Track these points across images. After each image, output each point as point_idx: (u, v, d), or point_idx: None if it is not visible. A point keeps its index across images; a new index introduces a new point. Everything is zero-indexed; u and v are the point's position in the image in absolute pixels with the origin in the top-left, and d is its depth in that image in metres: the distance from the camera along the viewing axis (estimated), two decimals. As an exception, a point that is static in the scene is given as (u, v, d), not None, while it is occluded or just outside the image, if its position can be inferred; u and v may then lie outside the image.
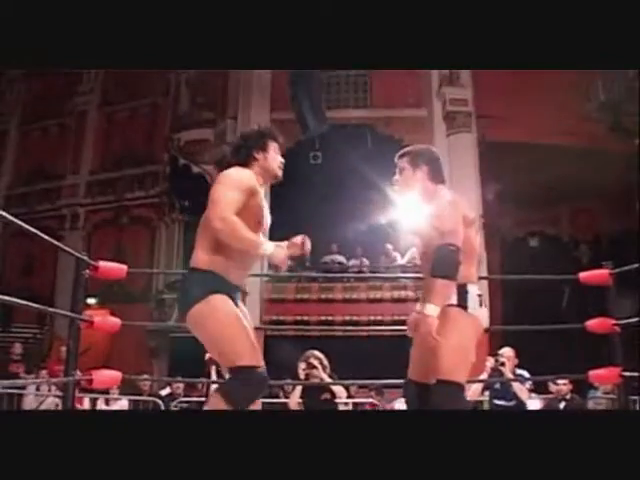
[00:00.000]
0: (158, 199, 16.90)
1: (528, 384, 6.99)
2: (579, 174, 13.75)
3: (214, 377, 6.17)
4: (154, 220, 16.98)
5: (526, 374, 6.74)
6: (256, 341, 3.07)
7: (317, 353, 6.25)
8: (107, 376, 4.19)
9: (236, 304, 3.11)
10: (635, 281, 5.48)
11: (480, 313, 3.15)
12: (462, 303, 3.09)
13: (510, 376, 6.46)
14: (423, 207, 3.31)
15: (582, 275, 4.78)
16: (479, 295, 3.16)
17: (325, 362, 6.20)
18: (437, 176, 3.35)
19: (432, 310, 2.95)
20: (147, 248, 16.66)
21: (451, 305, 3.07)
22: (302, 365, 6.16)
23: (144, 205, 17.11)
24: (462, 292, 3.10)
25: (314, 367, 6.12)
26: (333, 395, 6.14)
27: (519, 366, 6.84)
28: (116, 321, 4.36)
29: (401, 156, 3.41)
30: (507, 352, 6.65)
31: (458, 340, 3.02)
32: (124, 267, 4.39)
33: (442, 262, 2.97)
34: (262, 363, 2.99)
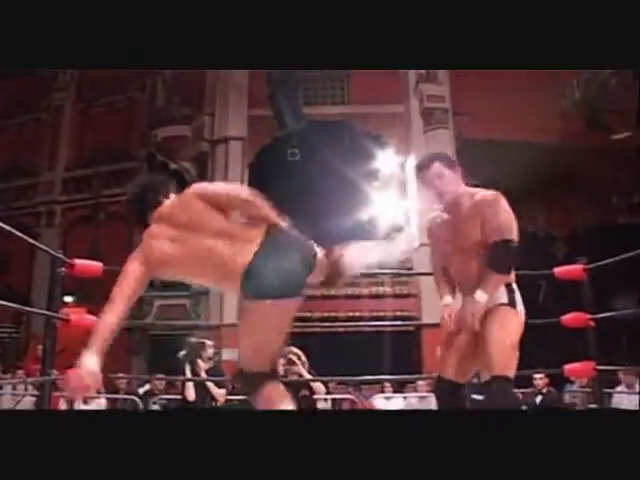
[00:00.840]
0: (135, 196, 16.76)
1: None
2: (554, 170, 13.86)
3: (188, 375, 6.16)
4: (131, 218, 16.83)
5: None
6: None
7: (295, 349, 6.28)
8: (84, 375, 4.17)
9: None
10: (610, 276, 5.53)
11: (523, 310, 3.23)
12: (512, 301, 3.18)
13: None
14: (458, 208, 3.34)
15: (557, 270, 4.84)
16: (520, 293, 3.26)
17: (303, 358, 6.23)
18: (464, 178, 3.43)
19: (482, 297, 3.06)
20: (125, 245, 16.50)
21: (503, 304, 3.16)
22: (281, 361, 6.18)
23: (121, 202, 16.94)
24: (510, 290, 3.20)
25: (293, 363, 6.15)
26: (312, 391, 6.16)
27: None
28: (93, 319, 4.33)
29: (430, 161, 3.39)
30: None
31: (510, 339, 3.10)
32: (100, 265, 4.38)
33: (501, 258, 3.10)
34: None
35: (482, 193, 3.27)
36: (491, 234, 3.13)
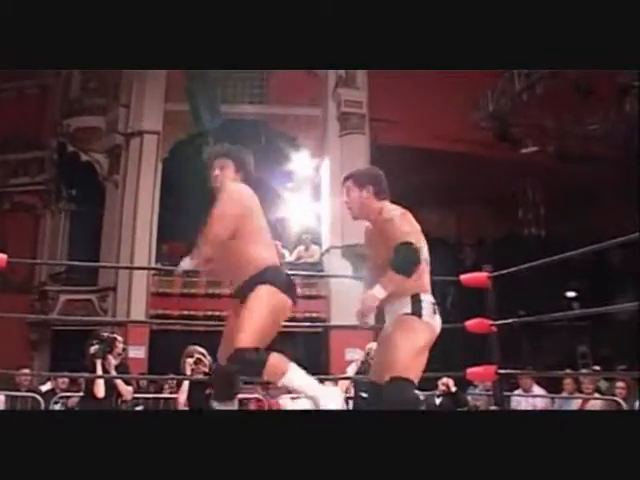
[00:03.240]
0: (44, 186, 16.27)
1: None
2: (466, 179, 14.21)
3: (99, 372, 6.03)
4: (39, 208, 16.33)
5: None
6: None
7: (199, 348, 6.24)
8: (-20, 370, 4.05)
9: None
10: (513, 284, 5.70)
11: (434, 320, 3.37)
12: (416, 311, 3.33)
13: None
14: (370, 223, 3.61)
15: (463, 277, 4.96)
16: (433, 303, 3.40)
17: (208, 357, 6.19)
18: (381, 193, 3.58)
19: (379, 292, 3.23)
20: (30, 237, 16.02)
21: (407, 314, 3.33)
22: (189, 360, 6.14)
23: (28, 192, 16.44)
24: (416, 301, 3.35)
25: (200, 362, 6.12)
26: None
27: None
28: (-6, 311, 4.20)
29: (346, 178, 3.65)
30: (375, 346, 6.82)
31: (412, 345, 3.26)
32: (3, 256, 4.26)
33: (401, 259, 3.24)
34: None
35: (386, 212, 3.47)
36: (394, 243, 3.29)
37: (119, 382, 6.09)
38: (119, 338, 6.40)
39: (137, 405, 9.75)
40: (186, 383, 6.19)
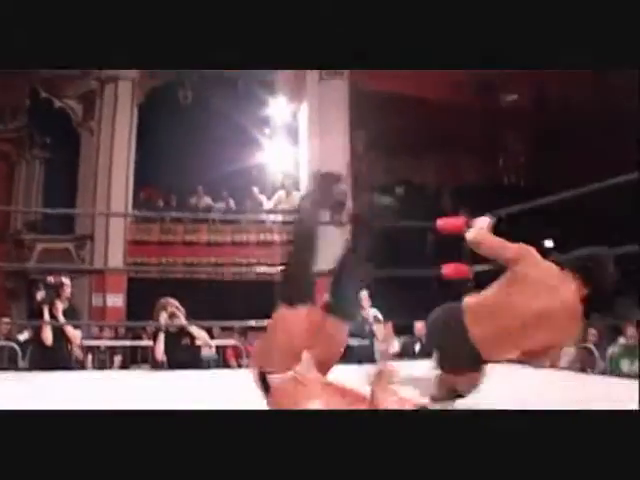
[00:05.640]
0: (17, 134, 15.97)
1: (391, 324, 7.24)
2: (445, 127, 14.13)
3: (47, 318, 5.83)
4: (13, 155, 16.06)
5: (379, 314, 6.96)
6: None
7: (173, 300, 6.11)
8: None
9: None
10: (493, 231, 5.63)
11: None
12: None
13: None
14: None
15: (439, 222, 4.88)
16: None
17: (181, 309, 6.09)
18: None
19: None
20: (5, 185, 15.78)
21: None
22: (163, 314, 6.01)
23: (2, 140, 16.15)
24: None
25: (174, 315, 6.02)
26: (193, 339, 6.06)
27: (372, 306, 7.07)
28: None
29: None
30: None
31: None
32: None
33: None
34: None
35: None
36: None
37: (67, 327, 5.89)
38: (67, 282, 6.15)
39: (114, 354, 9.77)
40: (162, 334, 6.09)
